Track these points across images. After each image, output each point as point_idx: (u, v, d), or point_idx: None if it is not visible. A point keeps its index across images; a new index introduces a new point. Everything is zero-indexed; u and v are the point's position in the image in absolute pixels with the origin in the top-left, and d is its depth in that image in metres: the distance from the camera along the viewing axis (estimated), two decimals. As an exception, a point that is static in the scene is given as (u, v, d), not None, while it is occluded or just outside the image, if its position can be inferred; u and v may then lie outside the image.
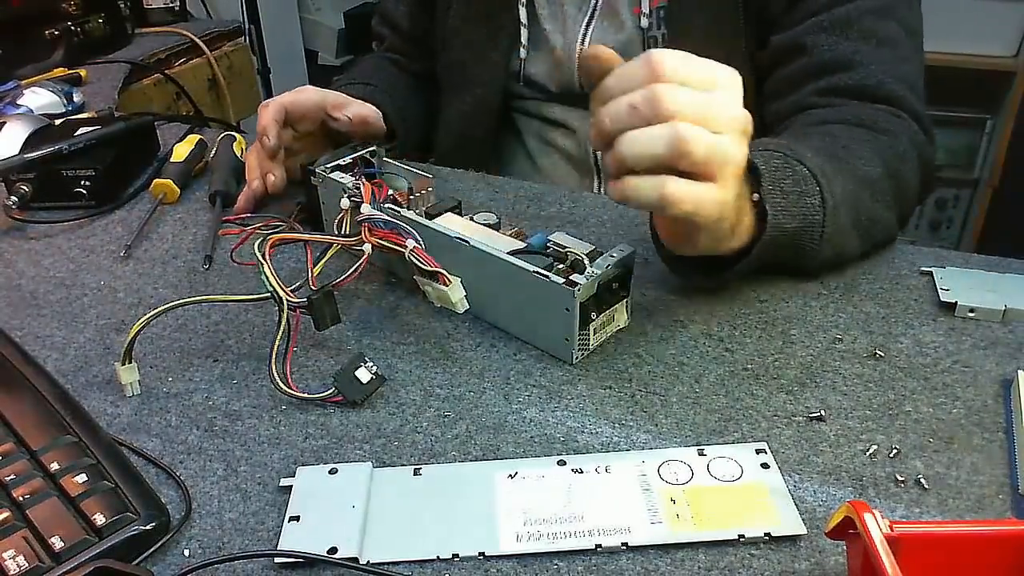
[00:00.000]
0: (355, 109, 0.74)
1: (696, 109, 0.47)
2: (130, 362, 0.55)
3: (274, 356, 0.54)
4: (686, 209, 0.49)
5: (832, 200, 0.60)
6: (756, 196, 0.57)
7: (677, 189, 0.48)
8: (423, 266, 0.56)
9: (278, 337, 0.54)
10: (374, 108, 0.76)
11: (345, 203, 0.62)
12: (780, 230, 0.58)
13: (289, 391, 0.54)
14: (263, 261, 0.54)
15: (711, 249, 0.57)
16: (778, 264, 0.63)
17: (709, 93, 0.48)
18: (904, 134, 0.71)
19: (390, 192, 0.65)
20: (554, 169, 0.95)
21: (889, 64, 0.73)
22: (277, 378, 0.54)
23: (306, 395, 0.54)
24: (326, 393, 0.54)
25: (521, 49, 0.89)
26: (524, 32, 0.87)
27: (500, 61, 0.90)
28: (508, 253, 0.57)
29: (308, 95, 0.75)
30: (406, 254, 0.57)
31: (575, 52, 0.86)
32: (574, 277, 0.54)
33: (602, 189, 0.90)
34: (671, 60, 0.48)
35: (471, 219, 0.64)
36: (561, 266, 0.58)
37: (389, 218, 0.59)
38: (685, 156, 0.47)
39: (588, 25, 0.85)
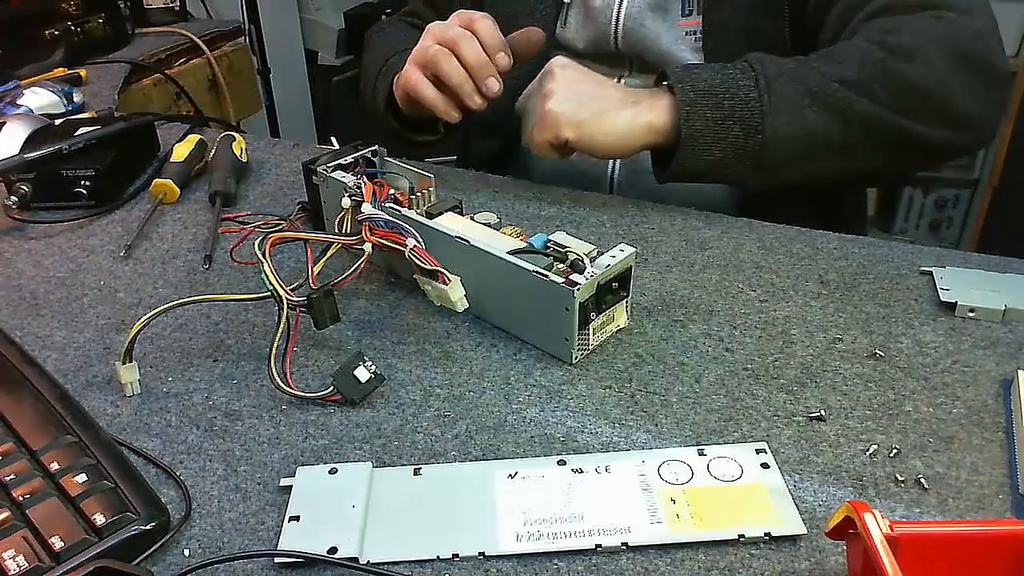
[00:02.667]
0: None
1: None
2: (130, 361, 0.55)
3: (273, 355, 0.54)
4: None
5: (763, 71, 0.69)
6: (666, 82, 0.72)
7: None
8: (423, 265, 0.56)
9: (277, 336, 0.54)
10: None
11: (346, 202, 0.62)
12: (692, 87, 0.70)
13: (288, 390, 0.54)
14: (263, 259, 0.54)
15: (649, 123, 0.72)
16: (735, 131, 0.69)
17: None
18: (923, 32, 0.70)
19: (391, 192, 0.65)
20: None
21: None
22: (276, 377, 0.54)
23: (305, 394, 0.54)
24: (325, 392, 0.54)
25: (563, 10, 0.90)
26: None
27: (550, 13, 0.91)
28: (508, 252, 0.57)
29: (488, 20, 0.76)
30: (406, 253, 0.57)
31: (614, 10, 0.87)
32: (574, 277, 0.54)
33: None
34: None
35: (472, 219, 0.64)
36: (561, 266, 0.58)
37: (390, 217, 0.59)
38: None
39: None
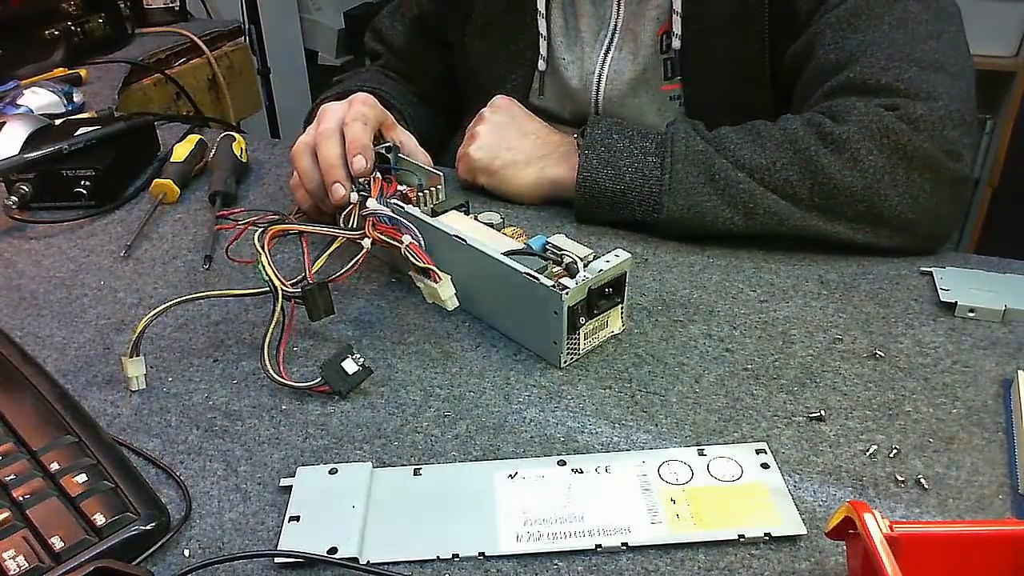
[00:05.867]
0: (400, 135, 0.73)
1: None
2: (138, 355, 0.55)
3: (267, 344, 0.54)
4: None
5: (672, 148, 0.68)
6: (578, 141, 0.74)
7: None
8: (416, 262, 0.57)
9: (271, 325, 0.54)
10: (414, 140, 0.74)
11: (354, 197, 0.62)
12: (596, 155, 0.71)
13: (279, 379, 0.54)
14: (261, 251, 0.54)
15: (553, 179, 0.75)
16: (632, 203, 0.70)
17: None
18: (866, 124, 0.65)
19: (399, 188, 0.65)
20: None
21: (900, 47, 0.67)
22: (268, 365, 0.54)
23: (293, 383, 0.54)
24: (313, 382, 0.54)
25: (535, 81, 0.88)
26: (541, 61, 0.86)
27: (521, 83, 0.89)
28: (503, 253, 0.57)
29: (377, 109, 0.69)
30: (402, 249, 0.57)
31: (592, 82, 0.85)
32: (564, 280, 0.54)
33: None
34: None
35: (475, 218, 0.64)
36: (557, 269, 0.57)
37: (392, 214, 0.59)
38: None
39: (607, 53, 0.84)
